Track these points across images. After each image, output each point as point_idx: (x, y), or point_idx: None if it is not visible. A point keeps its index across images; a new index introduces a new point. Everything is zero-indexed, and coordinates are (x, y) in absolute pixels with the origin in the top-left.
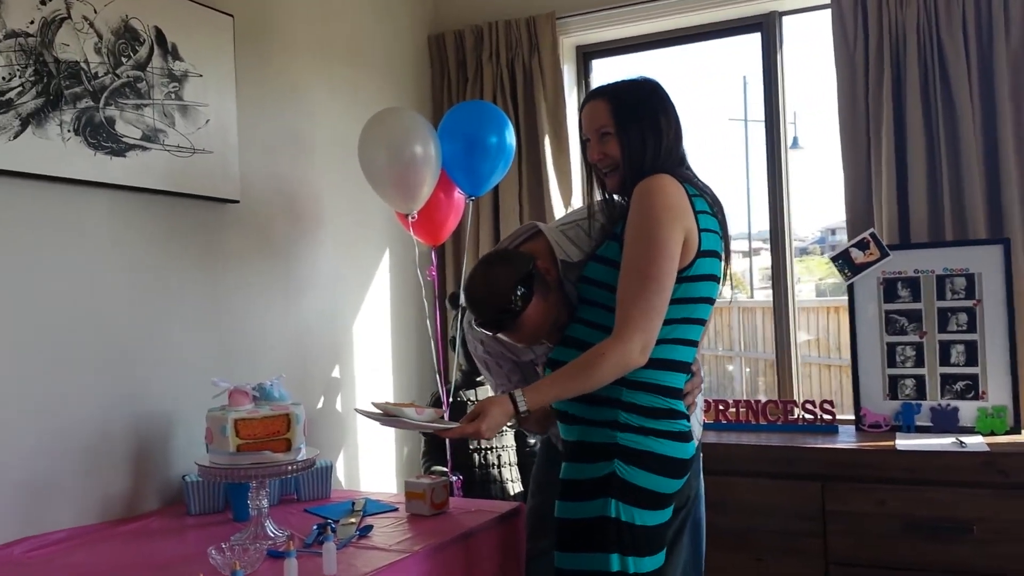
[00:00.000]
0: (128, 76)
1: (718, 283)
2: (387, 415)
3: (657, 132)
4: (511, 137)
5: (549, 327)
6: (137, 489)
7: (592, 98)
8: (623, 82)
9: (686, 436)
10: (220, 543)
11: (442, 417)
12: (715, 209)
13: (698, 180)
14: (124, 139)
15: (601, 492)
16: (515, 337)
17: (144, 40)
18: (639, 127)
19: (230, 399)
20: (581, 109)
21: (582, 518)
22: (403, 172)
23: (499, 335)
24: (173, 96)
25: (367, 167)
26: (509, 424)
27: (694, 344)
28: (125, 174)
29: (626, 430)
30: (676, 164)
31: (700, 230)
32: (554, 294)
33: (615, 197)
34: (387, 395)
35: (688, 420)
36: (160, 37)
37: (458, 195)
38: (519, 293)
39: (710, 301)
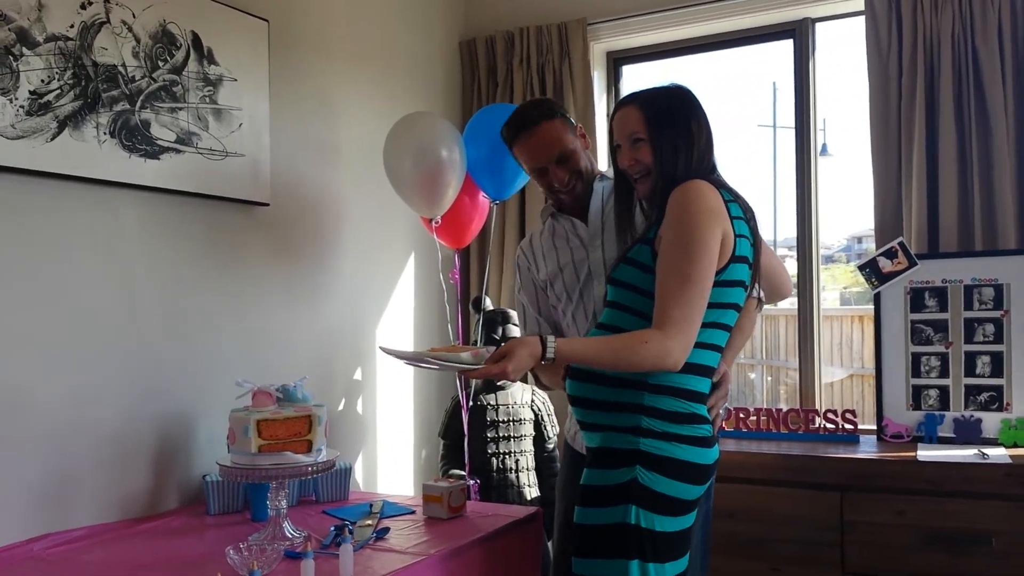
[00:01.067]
0: (164, 80)
1: (745, 290)
2: (414, 357)
3: (689, 139)
4: None
5: (585, 172)
6: (158, 488)
7: (624, 104)
8: (655, 89)
9: (709, 441)
10: (238, 543)
11: (480, 356)
12: (748, 215)
13: (731, 187)
14: (159, 142)
15: (622, 498)
16: (548, 142)
17: (181, 44)
18: (671, 134)
19: (253, 400)
20: (613, 116)
21: (601, 524)
22: (427, 177)
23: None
24: (208, 100)
25: (392, 172)
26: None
27: (719, 350)
28: (158, 176)
29: (648, 435)
30: (708, 171)
31: (735, 235)
32: (591, 158)
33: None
34: (407, 400)
35: (711, 424)
36: (196, 41)
37: (483, 198)
38: (560, 109)
39: (737, 308)
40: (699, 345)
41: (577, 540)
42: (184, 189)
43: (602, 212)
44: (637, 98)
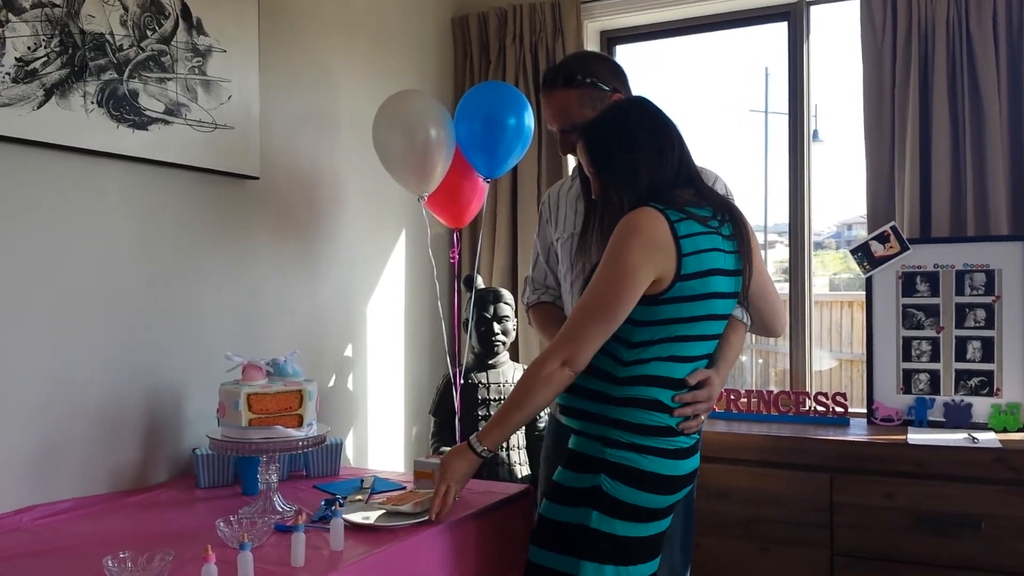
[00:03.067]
0: (152, 49)
1: (726, 298)
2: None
3: (626, 166)
4: (530, 119)
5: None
6: (147, 460)
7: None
8: (596, 117)
9: (682, 453)
10: (228, 516)
11: (422, 503)
12: (717, 223)
13: (693, 197)
14: (146, 112)
15: (585, 502)
16: (555, 111)
17: (169, 14)
18: (610, 162)
19: (244, 373)
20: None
21: (562, 521)
22: (416, 154)
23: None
24: (197, 71)
25: (381, 149)
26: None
27: (689, 360)
28: (146, 147)
29: (615, 446)
30: (670, 185)
31: (683, 255)
32: None
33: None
34: (398, 377)
35: (687, 436)
36: (185, 11)
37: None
38: (600, 79)
39: (713, 317)
40: (666, 359)
41: (539, 530)
42: (172, 161)
43: None
44: (581, 130)
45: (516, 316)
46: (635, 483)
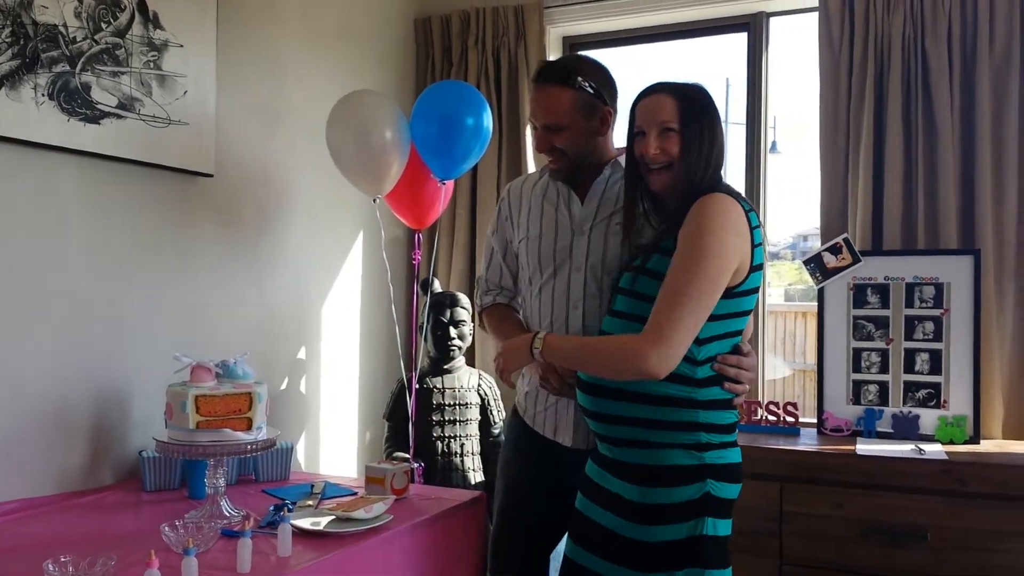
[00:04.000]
0: (107, 43)
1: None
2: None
3: (713, 139)
4: (489, 119)
5: (571, 153)
6: (93, 462)
7: (655, 91)
8: (686, 83)
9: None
10: (174, 520)
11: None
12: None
13: (745, 196)
14: (99, 106)
15: (694, 513)
16: (544, 106)
17: (125, 7)
18: (701, 129)
19: (192, 375)
20: (638, 101)
21: (671, 540)
22: (370, 156)
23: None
24: (152, 65)
25: (334, 150)
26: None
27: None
28: (98, 142)
29: (711, 448)
30: (719, 175)
31: (754, 246)
32: (599, 141)
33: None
34: (352, 380)
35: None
36: (142, 4)
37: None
38: (598, 88)
39: (750, 312)
40: (723, 355)
41: (643, 557)
42: (125, 156)
43: (600, 198)
44: (672, 88)
45: (473, 321)
46: (734, 478)
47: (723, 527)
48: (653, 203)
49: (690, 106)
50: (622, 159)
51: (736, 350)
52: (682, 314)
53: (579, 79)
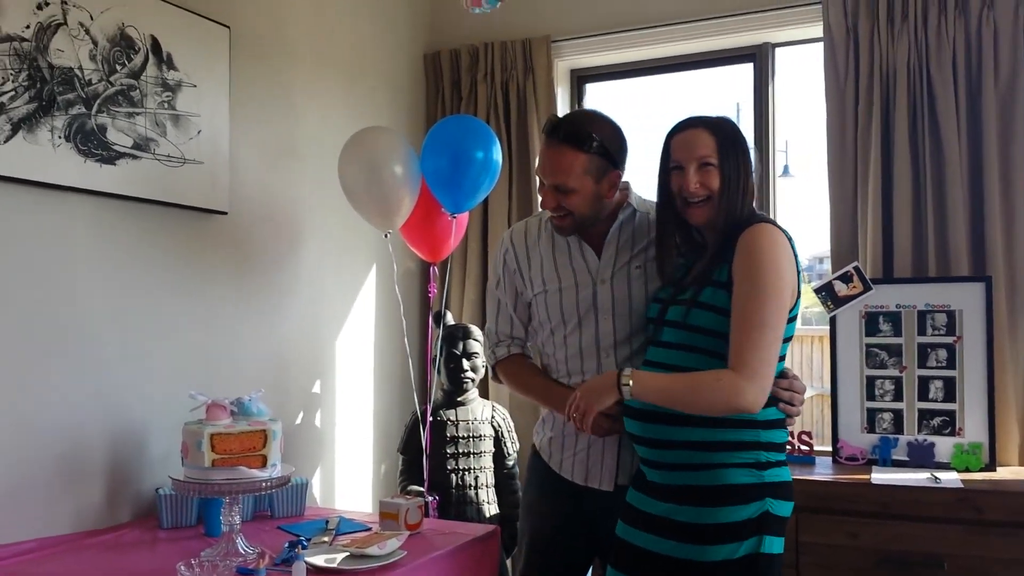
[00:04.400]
0: (122, 84)
1: None
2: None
3: (748, 169)
4: (498, 153)
5: (578, 215)
6: (110, 500)
7: (691, 126)
8: (718, 117)
9: None
10: (190, 558)
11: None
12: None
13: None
14: (114, 147)
15: (753, 531)
16: (554, 167)
17: (139, 48)
18: (738, 162)
19: (207, 413)
20: (673, 136)
21: (731, 559)
22: (381, 192)
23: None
24: (166, 105)
25: (346, 186)
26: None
27: None
28: (114, 182)
29: (770, 467)
30: (753, 205)
31: (799, 273)
32: (604, 204)
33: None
34: (367, 414)
35: None
36: (156, 46)
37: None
38: (605, 145)
39: (792, 338)
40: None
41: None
42: (140, 196)
43: (616, 244)
44: (705, 122)
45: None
46: (789, 496)
47: (778, 545)
48: (682, 235)
49: (726, 140)
50: (632, 198)
51: (783, 375)
52: (766, 347)
53: (593, 142)
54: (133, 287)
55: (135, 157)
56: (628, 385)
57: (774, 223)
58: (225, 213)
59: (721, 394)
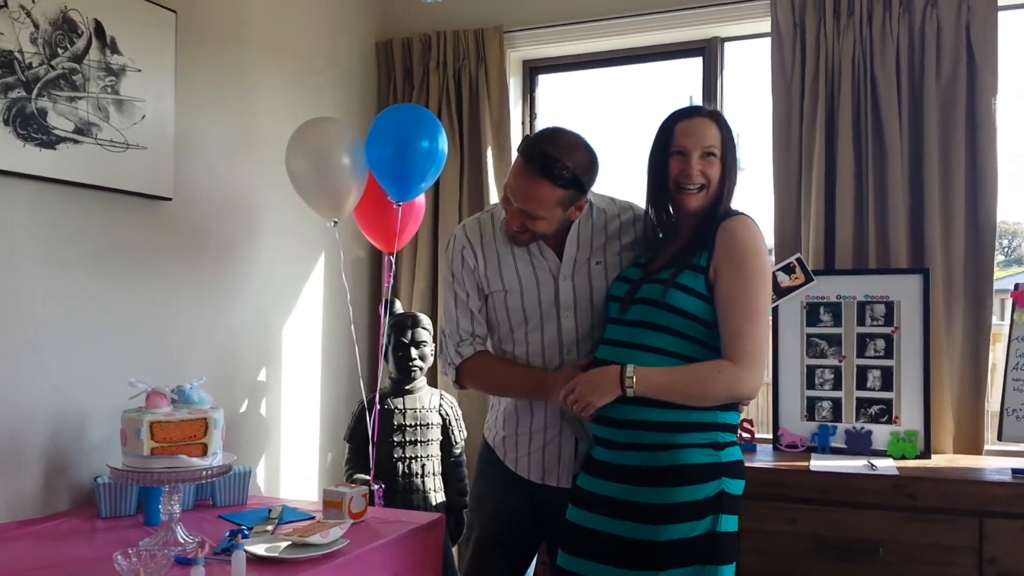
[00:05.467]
0: (63, 68)
1: None
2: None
3: (738, 165)
4: (443, 142)
5: (540, 233)
6: (48, 489)
7: (698, 115)
8: (718, 111)
9: None
10: (127, 547)
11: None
12: None
13: None
14: (55, 131)
15: (710, 510)
16: (526, 195)
17: (82, 32)
18: (735, 156)
19: (147, 401)
20: (678, 122)
21: (688, 538)
22: (328, 182)
23: (519, 195)
24: (109, 90)
25: (293, 176)
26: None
27: None
28: (54, 166)
29: (724, 447)
30: None
31: None
32: (567, 224)
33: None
34: (313, 402)
35: None
36: (99, 30)
37: (419, 201)
38: (576, 176)
39: None
40: None
41: (651, 557)
42: (82, 181)
43: (576, 242)
44: (710, 114)
45: (434, 341)
46: (742, 474)
47: (733, 523)
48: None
49: (728, 134)
50: (588, 194)
51: None
52: (761, 336)
53: (566, 175)
54: (74, 272)
55: (76, 142)
56: (631, 384)
57: (749, 216)
58: (169, 199)
59: (723, 384)
